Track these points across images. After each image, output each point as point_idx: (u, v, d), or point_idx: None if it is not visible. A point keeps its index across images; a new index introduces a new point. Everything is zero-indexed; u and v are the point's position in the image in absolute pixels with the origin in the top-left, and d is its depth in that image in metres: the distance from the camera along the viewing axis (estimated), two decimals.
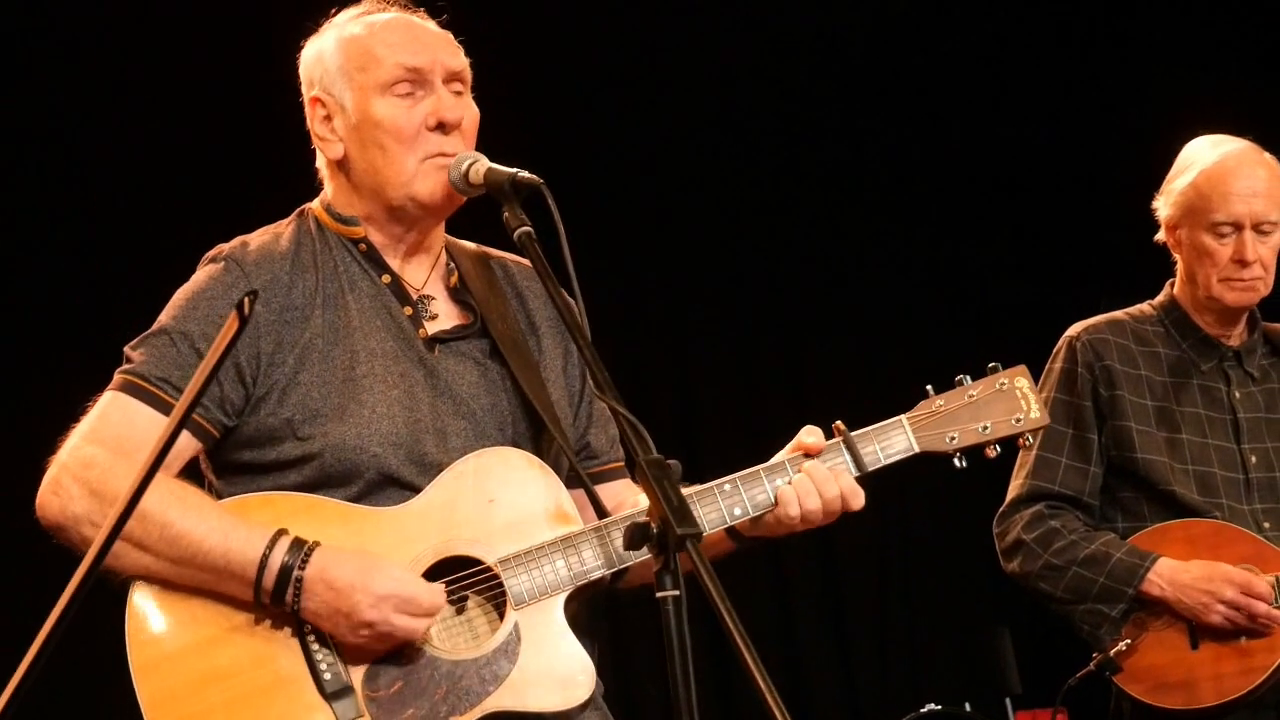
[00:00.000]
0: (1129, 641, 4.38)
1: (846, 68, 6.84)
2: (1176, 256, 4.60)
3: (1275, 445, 4.53)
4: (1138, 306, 4.66)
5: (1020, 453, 4.50)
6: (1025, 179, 6.78)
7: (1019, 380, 3.41)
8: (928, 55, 6.89)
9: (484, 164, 3.17)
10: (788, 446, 3.26)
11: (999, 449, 3.39)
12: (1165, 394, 4.51)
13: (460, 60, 3.29)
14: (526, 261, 3.18)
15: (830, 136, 6.86)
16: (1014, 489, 4.54)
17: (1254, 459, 4.50)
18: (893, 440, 3.28)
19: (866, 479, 3.25)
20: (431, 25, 3.35)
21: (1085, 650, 4.45)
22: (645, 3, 6.49)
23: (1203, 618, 4.32)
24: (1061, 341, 4.56)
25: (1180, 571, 4.35)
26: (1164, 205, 4.57)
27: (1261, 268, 4.44)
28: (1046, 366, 4.55)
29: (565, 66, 6.02)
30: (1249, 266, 4.42)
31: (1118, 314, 4.63)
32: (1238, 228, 4.43)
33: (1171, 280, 4.64)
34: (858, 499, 3.21)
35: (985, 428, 3.35)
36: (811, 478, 3.19)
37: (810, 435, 3.24)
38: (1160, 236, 4.60)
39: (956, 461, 3.34)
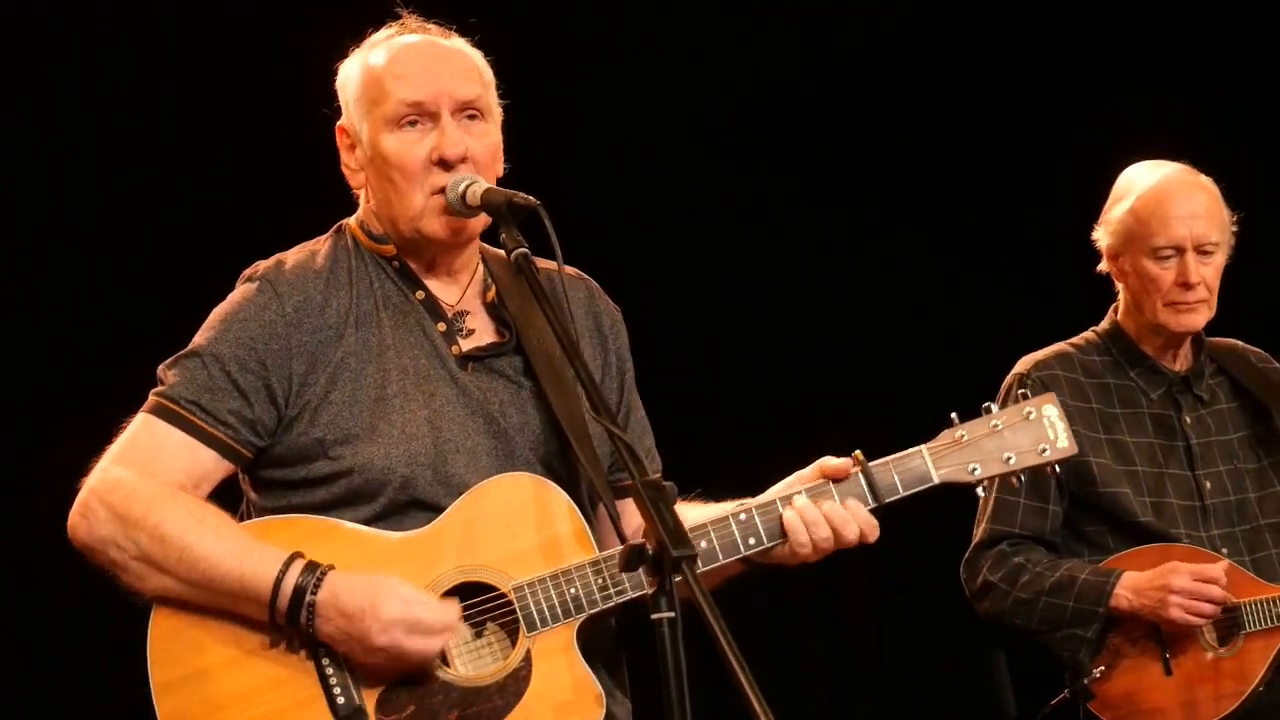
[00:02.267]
0: (1103, 668, 4.34)
1: (844, 95, 6.82)
2: (1120, 285, 4.57)
3: (1229, 468, 4.50)
4: (1082, 335, 4.63)
5: (981, 497, 4.48)
6: (1039, 197, 6.71)
7: (1047, 408, 3.33)
8: (922, 76, 6.86)
9: (481, 185, 3.19)
10: (805, 473, 3.23)
11: (1022, 479, 3.34)
12: (1117, 426, 4.48)
13: (471, 89, 3.28)
14: (570, 270, 3.19)
15: (829, 156, 6.83)
16: (976, 534, 4.53)
17: (1209, 484, 4.47)
18: (912, 470, 3.23)
19: (883, 508, 3.22)
20: (456, 47, 3.34)
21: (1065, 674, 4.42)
22: (645, 30, 6.50)
23: (1163, 615, 4.27)
24: (1010, 379, 4.51)
25: (1139, 578, 4.32)
26: (1104, 235, 4.55)
27: (1205, 289, 4.42)
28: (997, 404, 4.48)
29: (564, 88, 6.03)
30: (1193, 289, 4.40)
31: (1064, 346, 4.60)
32: (1179, 251, 4.41)
33: (1114, 306, 4.61)
34: (873, 533, 3.19)
35: (1009, 459, 3.28)
36: (831, 520, 3.16)
37: (830, 464, 3.21)
38: (1103, 266, 4.57)
39: (979, 491, 3.30)
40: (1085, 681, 4.33)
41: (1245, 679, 4.30)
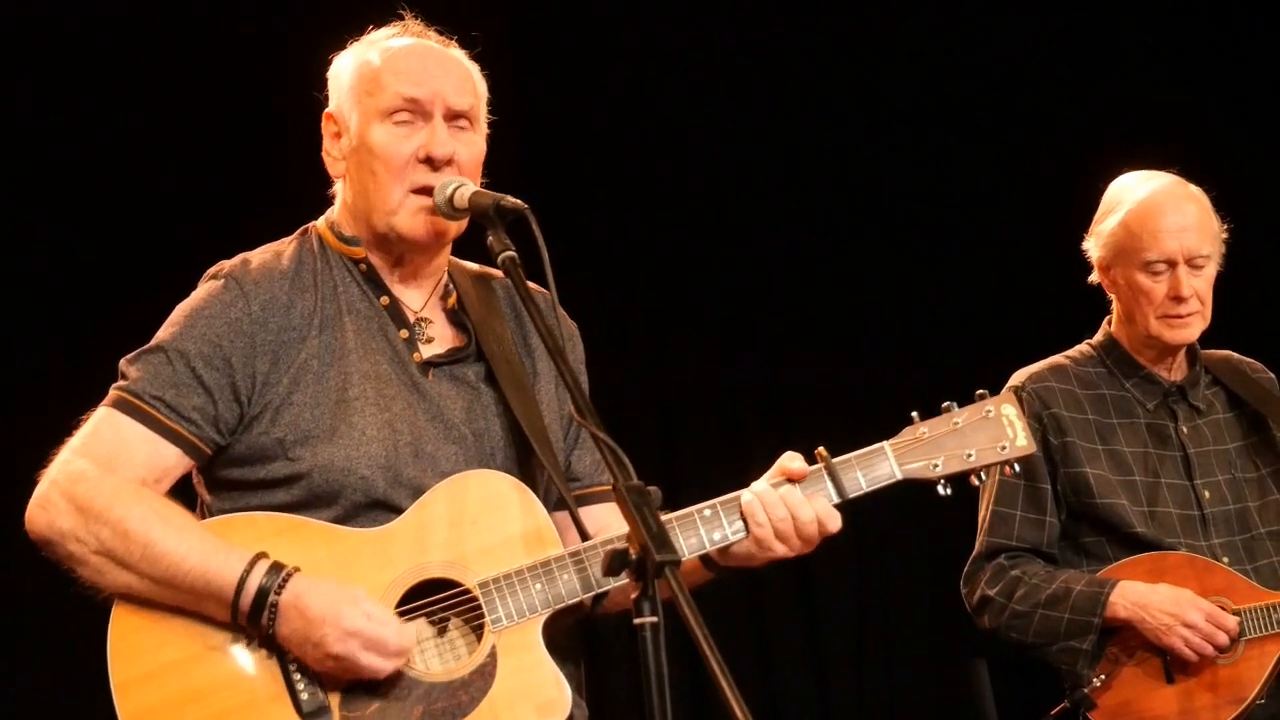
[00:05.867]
0: (1103, 677, 4.36)
1: (824, 97, 6.85)
2: (1112, 296, 4.58)
3: (1227, 478, 4.52)
4: (1077, 348, 4.65)
5: (980, 509, 4.51)
6: (1016, 198, 6.77)
7: (1005, 408, 3.38)
8: (907, 84, 6.90)
9: (469, 188, 3.19)
10: (769, 472, 3.24)
11: (983, 477, 3.38)
12: (1114, 436, 4.50)
13: (466, 100, 3.30)
14: (530, 284, 3.18)
15: (809, 163, 6.85)
16: (975, 547, 4.53)
17: (1207, 494, 4.49)
18: (876, 467, 3.26)
19: (848, 505, 3.24)
20: (456, 56, 3.36)
21: (1063, 683, 4.45)
22: (622, 33, 6.50)
23: (1163, 639, 4.30)
24: (1005, 391, 4.51)
25: (1148, 592, 4.34)
26: (1094, 246, 4.55)
27: (1198, 301, 4.43)
28: None
29: (546, 91, 6.02)
30: (1185, 302, 4.41)
31: (1058, 358, 4.61)
32: (1171, 264, 4.41)
33: (1109, 318, 4.63)
34: (833, 522, 3.19)
35: (970, 455, 3.32)
36: (786, 502, 3.17)
37: (792, 461, 3.22)
38: (1094, 278, 4.58)
39: (941, 489, 3.32)
40: (1086, 690, 4.33)
41: (1244, 686, 4.33)
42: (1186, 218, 4.43)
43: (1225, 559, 4.43)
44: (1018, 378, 4.56)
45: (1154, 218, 4.43)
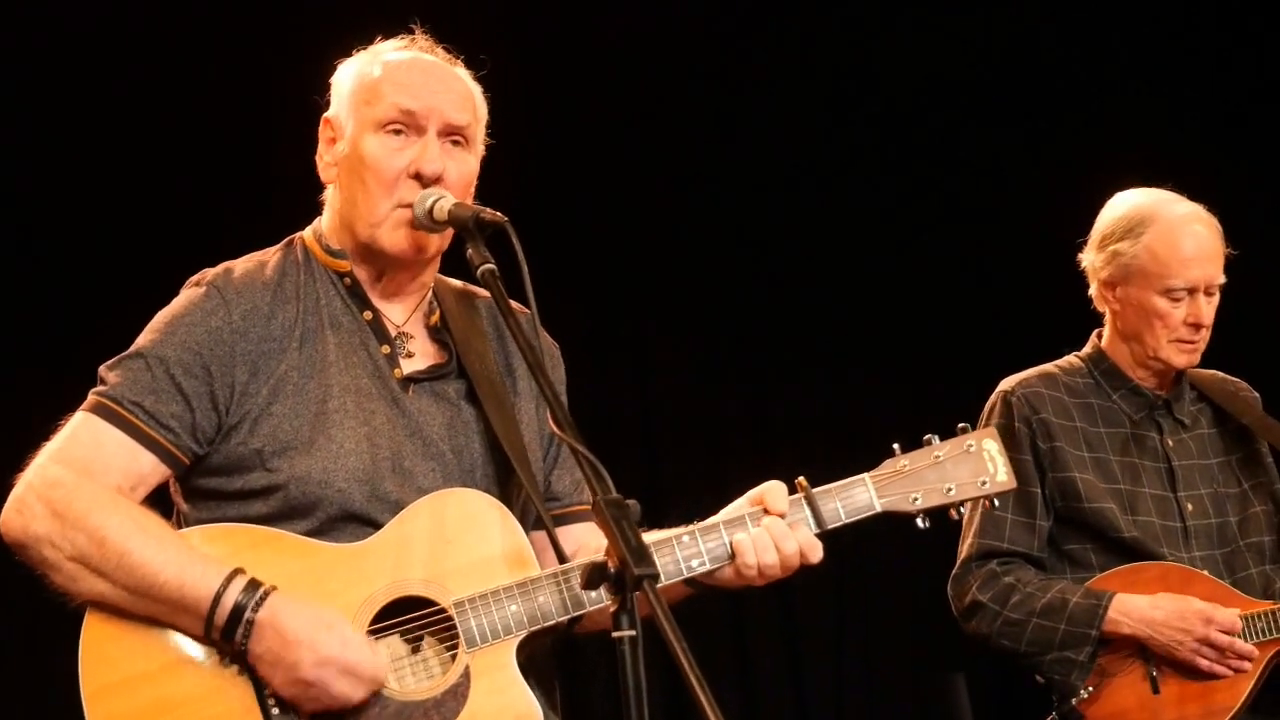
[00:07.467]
0: (1091, 689, 4.36)
1: (809, 114, 6.89)
2: (1109, 313, 4.60)
3: (1209, 492, 4.54)
4: (1065, 359, 4.67)
5: (967, 510, 4.50)
6: (1002, 220, 6.80)
7: (987, 442, 3.38)
8: (890, 109, 6.95)
9: (448, 200, 3.20)
10: (747, 497, 3.24)
11: (962, 511, 3.38)
12: (1100, 444, 4.52)
13: (463, 116, 3.30)
14: (512, 303, 3.18)
15: (794, 180, 6.89)
16: (964, 549, 4.52)
17: (1190, 506, 4.51)
18: (855, 498, 3.25)
19: (826, 535, 3.23)
20: (457, 74, 3.37)
21: (1042, 698, 4.43)
22: (614, 54, 6.54)
23: (1175, 655, 4.31)
24: (995, 397, 4.54)
25: (1149, 608, 4.34)
26: (1101, 263, 4.55)
27: (1206, 327, 4.49)
28: (981, 423, 4.52)
29: (532, 106, 6.04)
30: (1201, 329, 4.46)
31: (1048, 367, 4.63)
32: (1192, 292, 4.45)
33: (1099, 331, 4.65)
34: (815, 553, 3.19)
35: (950, 489, 3.32)
36: (770, 533, 3.17)
37: (772, 494, 3.22)
38: (1093, 292, 4.60)
39: (919, 522, 3.32)
40: (1074, 702, 4.33)
41: (1230, 695, 4.33)
42: (1212, 248, 4.49)
43: (1206, 571, 4.45)
44: (1007, 384, 4.58)
45: (1182, 246, 4.46)
